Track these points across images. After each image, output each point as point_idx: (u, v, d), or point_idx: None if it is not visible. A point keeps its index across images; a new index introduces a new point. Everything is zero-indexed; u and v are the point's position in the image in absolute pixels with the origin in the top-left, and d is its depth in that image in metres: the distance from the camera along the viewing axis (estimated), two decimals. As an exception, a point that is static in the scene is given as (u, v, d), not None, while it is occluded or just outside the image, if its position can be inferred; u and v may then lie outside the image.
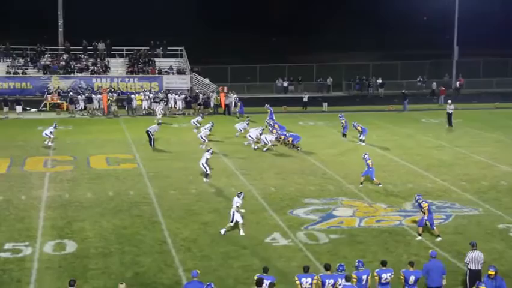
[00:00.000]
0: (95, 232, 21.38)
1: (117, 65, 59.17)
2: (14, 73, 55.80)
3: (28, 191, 26.25)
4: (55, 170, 30.21)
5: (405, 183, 28.07)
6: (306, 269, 15.48)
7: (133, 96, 50.98)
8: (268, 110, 42.82)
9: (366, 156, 28.08)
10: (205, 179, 28.07)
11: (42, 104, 51.06)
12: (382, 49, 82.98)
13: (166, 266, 18.59)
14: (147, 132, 35.68)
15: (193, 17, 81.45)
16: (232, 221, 21.35)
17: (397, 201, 25.23)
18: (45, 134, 35.48)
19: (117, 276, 17.67)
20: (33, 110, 50.30)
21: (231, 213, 21.42)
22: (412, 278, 15.49)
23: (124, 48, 60.35)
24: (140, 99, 50.40)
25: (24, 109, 48.54)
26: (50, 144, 35.25)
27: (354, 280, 15.14)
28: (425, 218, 20.91)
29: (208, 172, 28.05)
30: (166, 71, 58.34)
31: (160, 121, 41.12)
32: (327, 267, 15.46)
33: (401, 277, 15.59)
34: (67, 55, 58.97)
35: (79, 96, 50.97)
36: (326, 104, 52.68)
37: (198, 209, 24.24)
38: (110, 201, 25.02)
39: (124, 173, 29.71)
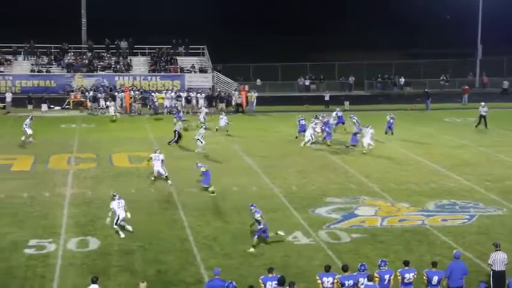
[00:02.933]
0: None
1: (139, 64, 59.47)
2: (38, 71, 56.32)
3: (52, 188, 26.46)
4: (78, 167, 30.43)
5: (428, 183, 27.88)
6: (328, 268, 15.42)
7: (154, 94, 51.20)
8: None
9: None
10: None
11: (66, 102, 51.45)
12: (405, 48, 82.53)
13: (188, 264, 18.64)
14: (175, 131, 35.71)
15: (215, 15, 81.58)
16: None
17: (420, 201, 25.07)
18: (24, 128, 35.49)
19: (139, 273, 17.74)
20: (56, 108, 50.70)
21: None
22: (435, 278, 15.38)
23: (147, 46, 60.67)
24: (162, 98, 50.62)
25: (49, 107, 48.96)
26: (27, 140, 35.18)
27: (377, 279, 15.06)
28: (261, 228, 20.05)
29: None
30: (188, 70, 58.52)
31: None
32: (344, 269, 15.37)
33: (424, 277, 15.47)
34: (90, 53, 59.41)
35: (102, 95, 51.30)
36: (347, 102, 52.50)
37: (219, 207, 24.28)
38: (132, 198, 25.06)
39: (146, 170, 29.80)
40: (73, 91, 52.52)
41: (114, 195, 21.52)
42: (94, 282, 14.88)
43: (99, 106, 49.62)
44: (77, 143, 35.79)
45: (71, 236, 20.74)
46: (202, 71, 58.67)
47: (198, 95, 51.10)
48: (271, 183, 27.73)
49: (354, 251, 19.69)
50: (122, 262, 18.68)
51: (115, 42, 60.43)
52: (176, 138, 35.76)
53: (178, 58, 60.29)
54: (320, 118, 37.20)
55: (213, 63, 59.74)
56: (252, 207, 20.42)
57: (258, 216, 19.98)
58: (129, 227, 21.06)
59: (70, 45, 60.17)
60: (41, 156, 32.35)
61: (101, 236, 20.74)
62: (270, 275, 15.08)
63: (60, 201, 24.66)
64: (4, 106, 49.51)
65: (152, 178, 27.59)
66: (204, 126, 36.05)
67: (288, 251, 19.71)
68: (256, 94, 52.02)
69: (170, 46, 61.21)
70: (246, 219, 22.09)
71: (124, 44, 60.34)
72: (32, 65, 57.23)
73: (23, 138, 35.28)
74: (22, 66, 57.35)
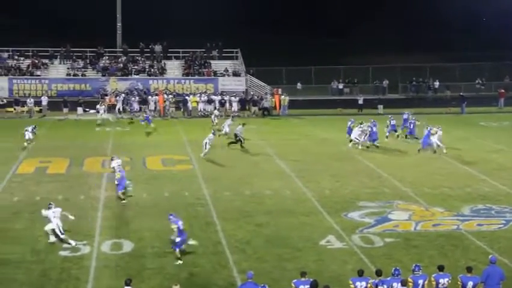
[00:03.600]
0: (151, 232, 21.59)
1: (173, 67, 59.84)
2: (73, 75, 56.99)
3: (86, 191, 26.74)
4: (112, 170, 30.62)
5: (463, 187, 27.55)
6: (361, 273, 15.32)
7: (187, 98, 51.49)
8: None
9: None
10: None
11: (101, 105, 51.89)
12: (439, 50, 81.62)
13: (221, 267, 18.67)
14: (235, 134, 35.78)
15: (248, 18, 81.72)
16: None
17: (454, 205, 24.78)
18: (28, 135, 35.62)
19: (172, 276, 17.81)
20: (91, 111, 51.22)
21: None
22: (470, 284, 15.17)
23: (180, 50, 61.02)
24: (196, 101, 50.88)
25: (84, 110, 49.56)
26: (26, 144, 35.29)
27: (410, 284, 14.91)
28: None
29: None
30: (221, 73, 58.71)
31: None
32: (378, 273, 15.27)
33: (459, 283, 15.28)
34: (124, 57, 59.96)
35: (135, 98, 51.76)
36: (381, 106, 52.17)
37: (251, 210, 24.28)
38: (165, 202, 25.27)
39: (179, 174, 29.99)
40: (107, 94, 53.03)
41: (50, 205, 21.10)
42: (127, 284, 14.99)
43: (132, 109, 50.03)
44: (111, 146, 36.13)
45: (105, 239, 20.91)
46: (236, 74, 58.82)
47: (232, 98, 51.28)
48: (304, 187, 27.65)
49: (388, 256, 19.52)
50: (155, 265, 18.77)
51: (150, 46, 60.93)
52: (236, 140, 35.70)
53: (212, 62, 60.52)
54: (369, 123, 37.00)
55: (246, 66, 59.84)
56: (171, 217, 19.64)
57: (174, 226, 19.29)
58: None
59: (105, 49, 60.83)
60: (76, 159, 32.70)
61: (135, 239, 20.87)
62: (303, 279, 15.03)
63: (94, 204, 24.90)
64: (40, 109, 50.22)
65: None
66: (213, 131, 35.71)
67: (321, 255, 19.63)
68: (287, 97, 52.02)
69: (204, 50, 61.50)
70: (280, 223, 22.12)
71: (158, 48, 60.80)
72: (68, 68, 57.95)
73: (25, 144, 35.38)
74: (58, 70, 58.10)
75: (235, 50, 61.03)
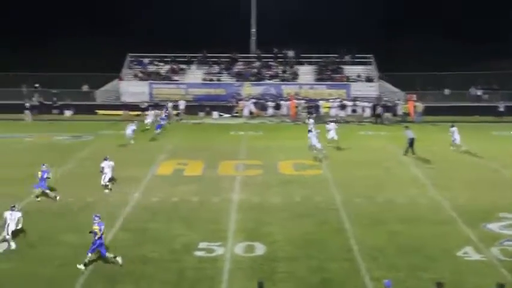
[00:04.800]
0: (283, 236, 21.77)
1: (306, 72, 60.04)
2: (209, 80, 58.56)
3: (220, 193, 27.31)
4: (246, 173, 31.17)
5: None
6: (501, 286, 14.69)
7: (319, 103, 51.50)
8: None
9: None
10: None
11: (235, 110, 53.11)
12: None
13: (353, 274, 18.50)
14: (411, 139, 35.38)
15: (382, 23, 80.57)
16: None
17: None
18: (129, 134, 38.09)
19: (304, 281, 17.86)
20: (226, 115, 52.46)
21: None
22: None
23: (313, 55, 61.16)
24: (328, 107, 50.82)
25: (219, 115, 50.79)
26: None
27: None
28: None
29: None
30: (353, 79, 58.28)
31: None
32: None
33: None
34: (258, 63, 60.89)
35: (268, 103, 52.49)
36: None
37: (384, 217, 23.90)
38: (297, 206, 25.38)
39: (310, 179, 30.02)
40: (241, 99, 54.01)
41: (12, 207, 21.27)
42: (260, 287, 15.17)
43: (266, 114, 50.76)
44: (244, 150, 36.75)
45: (239, 241, 21.27)
46: (368, 80, 58.19)
47: (364, 104, 50.81)
48: (439, 195, 26.89)
49: (530, 270, 18.61)
50: (287, 268, 18.89)
51: (283, 52, 61.55)
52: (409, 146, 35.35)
53: (345, 67, 60.23)
54: None
55: (380, 72, 59.03)
56: (96, 218, 19.28)
57: (96, 228, 18.97)
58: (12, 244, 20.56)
59: (239, 55, 62.06)
60: (211, 162, 33.51)
61: (267, 242, 21.10)
62: None
63: (228, 207, 25.38)
64: (178, 113, 51.97)
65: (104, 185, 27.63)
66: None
67: (458, 266, 19.01)
68: (423, 104, 50.83)
69: (336, 55, 61.33)
70: (413, 232, 21.66)
71: (291, 53, 61.28)
72: (204, 73, 59.61)
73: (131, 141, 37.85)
74: (195, 75, 59.87)
75: (368, 55, 60.41)
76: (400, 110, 50.93)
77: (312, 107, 51.39)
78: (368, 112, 50.32)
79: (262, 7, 61.82)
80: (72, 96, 53.99)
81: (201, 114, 51.61)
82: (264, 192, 27.47)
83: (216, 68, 60.36)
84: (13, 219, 20.91)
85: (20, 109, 51.43)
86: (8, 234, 20.71)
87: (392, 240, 21.32)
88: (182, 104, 52.54)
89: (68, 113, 51.24)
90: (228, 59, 61.54)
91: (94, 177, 29.04)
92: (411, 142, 35.05)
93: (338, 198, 26.45)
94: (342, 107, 51.02)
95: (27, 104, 51.94)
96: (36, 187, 25.90)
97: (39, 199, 25.70)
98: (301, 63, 61.16)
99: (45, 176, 25.83)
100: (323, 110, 50.85)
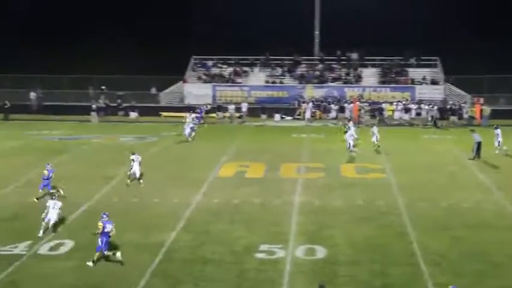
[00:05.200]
0: (344, 239, 21.61)
1: (369, 75, 59.56)
2: (272, 82, 58.69)
3: (282, 196, 27.28)
4: (307, 176, 31.10)
5: None
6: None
7: (383, 106, 50.99)
8: None
9: None
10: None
11: (297, 112, 53.07)
12: None
13: (415, 279, 18.20)
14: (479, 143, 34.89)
15: (450, 25, 79.10)
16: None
17: None
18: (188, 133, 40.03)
19: (366, 285, 17.68)
20: (288, 118, 52.48)
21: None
22: None
23: (377, 58, 60.57)
24: (392, 110, 50.28)
25: (281, 117, 50.91)
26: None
27: None
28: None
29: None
30: (418, 81, 57.47)
31: None
32: None
33: None
34: (321, 65, 60.71)
35: (332, 106, 52.28)
36: None
37: (448, 223, 23.45)
38: (359, 210, 25.17)
39: (373, 182, 29.75)
40: (304, 102, 53.95)
41: (54, 197, 22.43)
42: (321, 290, 15.12)
43: (328, 117, 50.60)
44: (306, 153, 36.66)
45: (299, 244, 21.19)
46: (434, 82, 57.28)
47: (429, 107, 50.04)
48: (505, 199, 26.26)
49: None
50: (348, 272, 18.71)
51: (346, 54, 61.20)
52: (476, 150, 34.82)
53: (409, 69, 59.47)
54: None
55: (446, 74, 57.99)
56: (104, 216, 19.37)
57: (100, 225, 19.06)
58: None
59: (302, 57, 62.00)
60: (272, 164, 33.55)
61: (328, 246, 20.96)
62: None
63: (289, 209, 25.34)
64: (240, 116, 52.27)
65: (130, 178, 28.76)
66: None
67: (525, 273, 18.51)
68: (489, 107, 49.73)
69: (401, 57, 60.59)
70: (479, 237, 21.19)
71: (354, 56, 60.89)
72: (267, 76, 59.79)
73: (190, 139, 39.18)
74: (257, 77, 60.14)
75: (434, 57, 59.46)
76: (466, 113, 49.93)
77: (376, 110, 50.95)
78: (433, 115, 49.52)
79: (326, 10, 61.54)
80: (136, 98, 54.96)
81: (263, 116, 51.78)
82: (325, 195, 27.34)
83: (278, 71, 60.50)
84: (55, 208, 21.89)
85: (86, 111, 52.70)
86: (48, 220, 21.68)
87: (456, 246, 20.89)
88: (244, 107, 52.83)
89: (133, 115, 52.18)
90: (290, 62, 61.58)
91: (157, 178, 29.55)
92: (478, 146, 34.34)
93: (400, 202, 26.11)
94: (407, 110, 50.37)
95: (94, 106, 53.14)
96: (41, 188, 26.26)
97: (38, 200, 25.87)
98: (365, 66, 60.69)
99: (51, 175, 26.37)
100: (386, 113, 50.31)
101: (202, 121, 46.38)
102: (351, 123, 40.32)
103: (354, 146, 35.90)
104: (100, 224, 19.23)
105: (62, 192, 25.95)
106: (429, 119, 49.56)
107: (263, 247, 20.76)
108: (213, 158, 34.99)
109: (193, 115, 44.56)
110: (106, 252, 19.23)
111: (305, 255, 20.15)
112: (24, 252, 20.07)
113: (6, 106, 52.74)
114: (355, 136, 37.24)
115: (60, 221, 22.41)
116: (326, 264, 19.38)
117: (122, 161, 33.03)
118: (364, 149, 38.32)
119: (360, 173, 31.75)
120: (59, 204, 22.13)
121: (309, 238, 21.79)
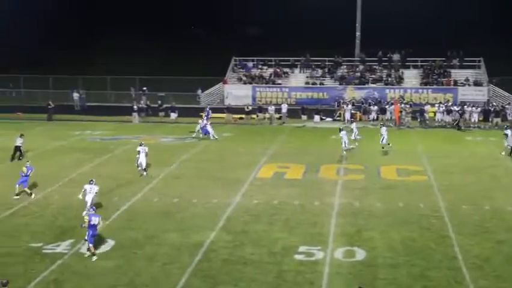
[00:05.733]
0: (384, 242, 21.44)
1: (411, 76, 59.00)
2: (312, 83, 58.55)
3: (321, 197, 27.19)
4: (347, 178, 30.94)
5: None
6: None
7: (425, 107, 50.47)
8: None
9: None
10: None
11: (337, 114, 52.85)
12: None
13: (456, 283, 17.97)
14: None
15: (494, 26, 78.00)
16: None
17: None
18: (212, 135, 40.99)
19: (405, 288, 17.54)
20: (328, 119, 52.29)
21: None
22: None
23: (419, 59, 59.97)
24: (434, 112, 49.71)
25: (321, 118, 50.73)
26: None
27: None
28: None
29: None
30: (461, 83, 56.71)
31: None
32: None
33: None
34: (362, 66, 60.34)
35: (372, 107, 51.93)
36: None
37: (491, 226, 23.09)
38: (399, 212, 24.93)
39: (414, 184, 29.45)
40: (344, 103, 53.70)
41: (91, 181, 24.09)
42: (359, 292, 15.05)
43: (369, 118, 50.30)
44: (346, 154, 36.45)
45: (338, 246, 21.10)
46: (477, 84, 56.47)
47: (473, 109, 49.36)
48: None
49: None
50: (387, 275, 18.56)
51: (387, 55, 60.72)
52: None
53: (452, 71, 58.73)
54: None
55: (489, 76, 57.10)
56: (91, 209, 20.66)
57: (86, 217, 19.81)
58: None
59: (343, 58, 61.74)
60: (312, 165, 33.46)
61: (367, 248, 20.83)
62: None
63: (328, 211, 25.24)
64: (280, 117, 52.26)
65: (138, 168, 30.43)
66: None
67: None
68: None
69: (444, 59, 59.87)
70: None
71: (396, 57, 60.38)
72: (307, 77, 59.66)
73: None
74: (297, 78, 60.07)
75: (477, 59, 58.61)
76: (510, 115, 49.11)
77: (417, 112, 50.44)
78: (475, 117, 48.81)
79: (367, 10, 61.19)
80: (176, 99, 55.33)
81: (303, 117, 51.67)
82: (365, 197, 27.16)
83: (319, 72, 60.32)
84: (92, 192, 23.65)
85: (128, 112, 53.29)
86: (86, 202, 23.43)
87: (499, 250, 20.56)
88: (284, 108, 52.77)
89: (173, 116, 52.55)
90: (331, 63, 61.35)
91: (197, 179, 29.70)
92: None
93: (442, 205, 25.80)
94: (448, 111, 49.74)
95: (135, 107, 53.69)
96: (17, 184, 26.68)
97: (18, 197, 26.46)
98: (406, 67, 60.14)
99: (29, 173, 26.83)
100: (428, 115, 49.77)
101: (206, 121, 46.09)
102: (354, 125, 41.12)
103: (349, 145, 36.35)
104: (86, 217, 20.06)
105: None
106: (452, 120, 48.91)
107: (302, 248, 20.72)
108: (252, 159, 35.06)
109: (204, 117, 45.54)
110: (89, 246, 19.68)
111: (344, 257, 20.04)
112: (66, 251, 20.39)
113: (49, 107, 53.60)
114: (358, 137, 38.30)
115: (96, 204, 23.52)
116: (365, 266, 19.26)
117: (162, 161, 33.35)
118: (405, 150, 38.01)
119: (401, 175, 31.46)
120: (96, 188, 23.74)
121: (348, 240, 21.67)
